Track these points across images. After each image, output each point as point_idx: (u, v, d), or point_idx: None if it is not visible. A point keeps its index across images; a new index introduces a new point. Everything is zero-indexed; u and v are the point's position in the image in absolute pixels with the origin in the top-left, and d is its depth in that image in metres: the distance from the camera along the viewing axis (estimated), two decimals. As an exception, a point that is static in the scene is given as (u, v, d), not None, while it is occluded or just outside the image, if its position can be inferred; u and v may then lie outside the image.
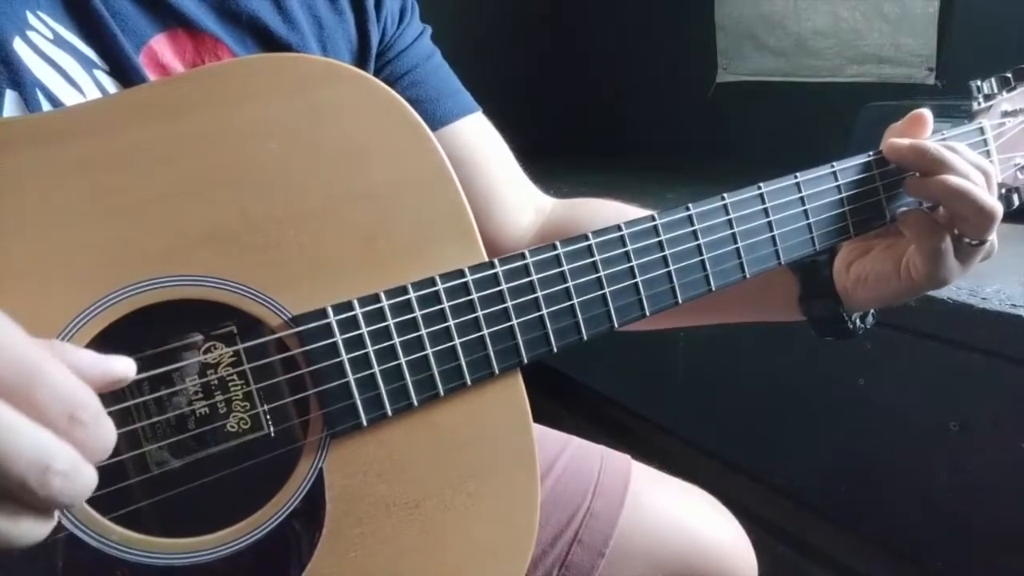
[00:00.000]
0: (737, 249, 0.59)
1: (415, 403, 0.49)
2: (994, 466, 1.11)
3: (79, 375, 0.35)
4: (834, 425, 1.35)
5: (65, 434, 0.33)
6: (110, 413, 0.36)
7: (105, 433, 0.35)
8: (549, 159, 1.98)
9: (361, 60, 0.66)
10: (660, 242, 0.56)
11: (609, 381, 1.91)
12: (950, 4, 1.91)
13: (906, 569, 1.30)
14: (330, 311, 0.46)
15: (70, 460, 0.33)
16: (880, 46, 2.08)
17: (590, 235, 0.54)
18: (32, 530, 0.35)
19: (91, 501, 0.38)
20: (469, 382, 0.50)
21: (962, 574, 1.18)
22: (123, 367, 0.37)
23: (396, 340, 0.48)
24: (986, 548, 1.14)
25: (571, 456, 0.80)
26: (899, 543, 1.29)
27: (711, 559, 0.77)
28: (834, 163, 0.64)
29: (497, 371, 0.51)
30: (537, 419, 0.73)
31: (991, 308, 1.08)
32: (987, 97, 0.70)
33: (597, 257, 0.54)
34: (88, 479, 0.35)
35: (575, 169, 2.37)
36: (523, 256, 0.52)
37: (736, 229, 0.59)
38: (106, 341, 0.42)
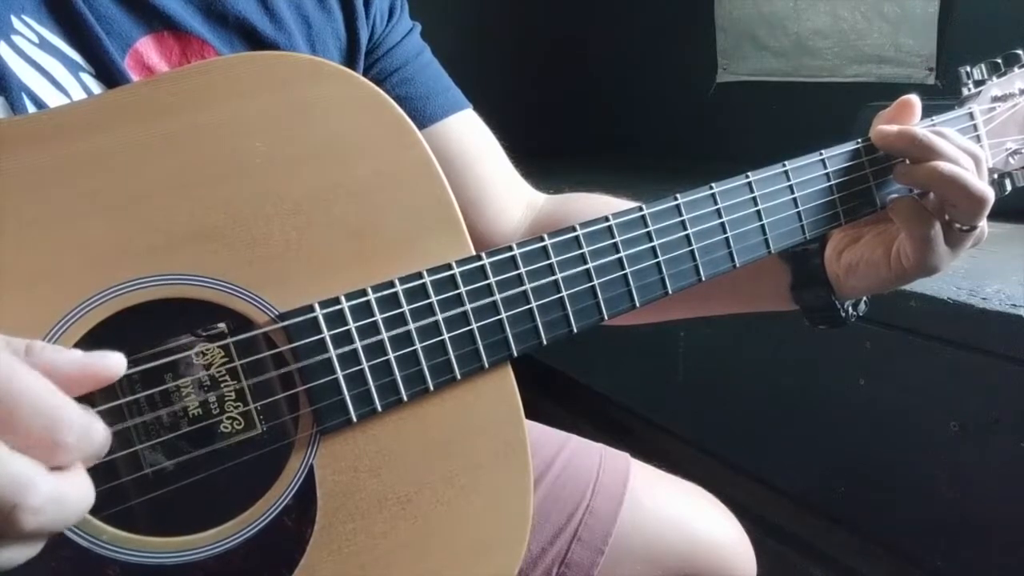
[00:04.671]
0: (726, 239, 0.59)
1: (405, 398, 0.49)
2: (994, 466, 1.11)
3: (65, 377, 0.35)
4: (834, 425, 1.35)
5: (48, 459, 0.33)
6: (101, 413, 0.36)
7: (96, 438, 0.35)
8: (549, 159, 1.99)
9: (350, 58, 0.66)
10: (648, 233, 0.56)
11: (609, 381, 1.90)
12: (950, 4, 1.91)
13: (906, 569, 1.30)
14: (317, 307, 0.46)
15: (47, 494, 0.32)
16: (880, 46, 2.08)
17: (578, 227, 0.54)
18: (13, 557, 0.34)
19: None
20: (459, 376, 0.50)
21: (962, 574, 1.18)
22: (114, 363, 0.37)
23: (384, 335, 0.48)
24: (986, 548, 1.14)
25: (570, 454, 0.80)
26: (899, 543, 1.28)
27: (711, 557, 0.77)
28: (822, 151, 0.63)
29: (487, 365, 0.51)
30: (537, 419, 0.73)
31: (991, 308, 1.08)
32: (977, 83, 0.70)
33: (585, 249, 0.54)
34: (74, 506, 0.34)
35: (575, 169, 2.38)
36: (511, 249, 0.51)
37: (724, 219, 0.59)
38: (94, 341, 0.41)
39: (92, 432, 0.35)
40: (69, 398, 0.34)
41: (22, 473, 0.32)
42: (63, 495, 0.34)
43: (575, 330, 0.54)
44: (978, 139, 0.68)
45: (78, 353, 0.36)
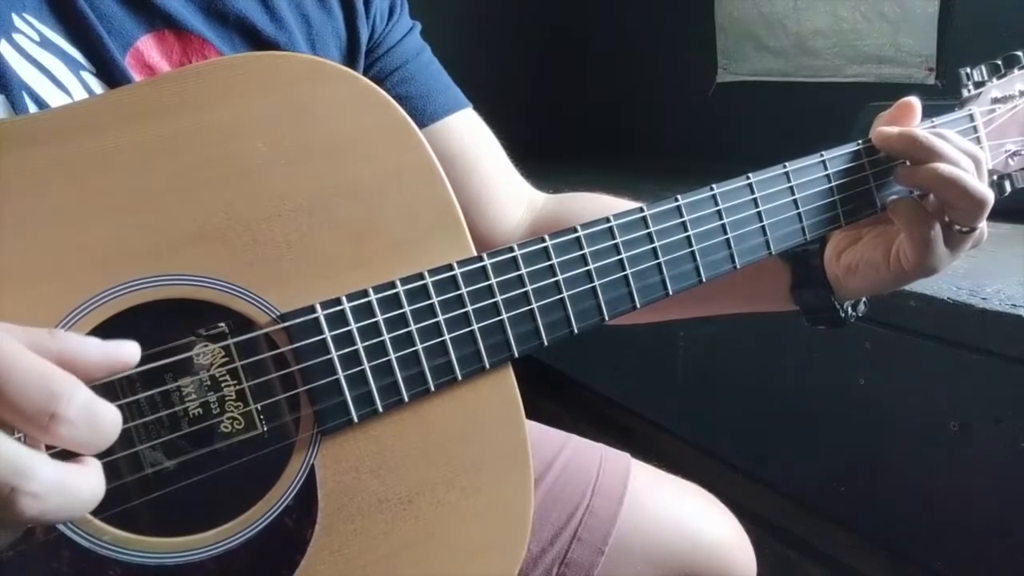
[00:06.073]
0: (727, 240, 0.59)
1: (406, 399, 0.49)
2: (994, 466, 1.11)
3: (79, 362, 0.35)
4: (834, 425, 1.35)
5: (46, 434, 0.33)
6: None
7: (103, 420, 0.34)
8: (549, 159, 1.99)
9: (350, 58, 0.66)
10: (649, 234, 0.56)
11: (609, 381, 1.90)
12: (950, 4, 1.91)
13: (906, 569, 1.30)
14: (318, 308, 0.46)
15: (48, 481, 0.32)
16: (880, 46, 2.08)
17: (579, 228, 0.53)
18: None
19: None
20: (460, 377, 0.50)
21: (962, 574, 1.18)
22: (129, 351, 0.37)
23: (386, 336, 0.48)
24: (986, 547, 1.14)
25: (570, 454, 0.80)
26: (899, 543, 1.28)
27: (710, 557, 0.77)
28: (823, 152, 0.63)
29: (488, 366, 0.51)
30: (537, 419, 0.73)
31: (991, 308, 1.08)
32: (977, 84, 0.70)
33: (586, 250, 0.54)
34: (80, 496, 0.34)
35: (575, 169, 2.38)
36: (512, 250, 0.51)
37: (725, 220, 0.59)
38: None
39: (97, 411, 0.34)
40: (70, 374, 0.34)
41: (21, 457, 0.32)
42: (67, 484, 0.33)
43: (576, 331, 0.53)
44: (978, 141, 0.68)
45: (98, 340, 0.37)
